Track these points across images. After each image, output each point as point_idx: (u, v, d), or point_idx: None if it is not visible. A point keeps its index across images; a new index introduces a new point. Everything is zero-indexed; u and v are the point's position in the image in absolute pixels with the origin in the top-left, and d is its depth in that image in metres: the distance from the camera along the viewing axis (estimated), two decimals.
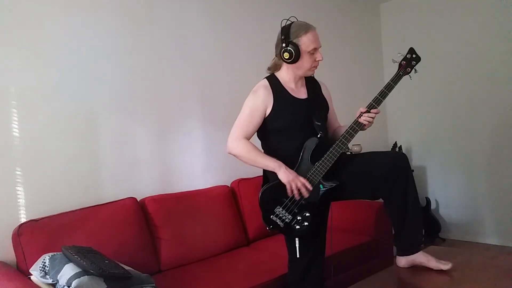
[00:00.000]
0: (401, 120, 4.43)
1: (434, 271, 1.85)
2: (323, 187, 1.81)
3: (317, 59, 1.86)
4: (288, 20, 1.87)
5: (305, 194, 1.76)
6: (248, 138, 1.85)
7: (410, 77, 1.90)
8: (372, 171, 1.83)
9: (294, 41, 1.81)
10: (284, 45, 1.82)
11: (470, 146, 3.87)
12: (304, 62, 1.85)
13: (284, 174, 1.75)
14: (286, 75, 1.92)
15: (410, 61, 1.88)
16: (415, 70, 1.89)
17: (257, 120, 1.85)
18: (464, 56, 3.86)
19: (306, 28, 1.83)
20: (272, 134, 1.89)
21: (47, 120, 2.30)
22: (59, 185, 2.31)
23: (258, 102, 1.85)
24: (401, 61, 1.89)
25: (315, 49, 1.84)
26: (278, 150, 1.86)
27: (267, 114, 1.86)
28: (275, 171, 1.77)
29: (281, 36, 1.84)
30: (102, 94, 2.51)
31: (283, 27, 1.86)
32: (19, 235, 2.01)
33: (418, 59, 1.89)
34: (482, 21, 3.72)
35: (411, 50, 1.90)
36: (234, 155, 1.86)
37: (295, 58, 1.82)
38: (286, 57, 1.83)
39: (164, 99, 2.79)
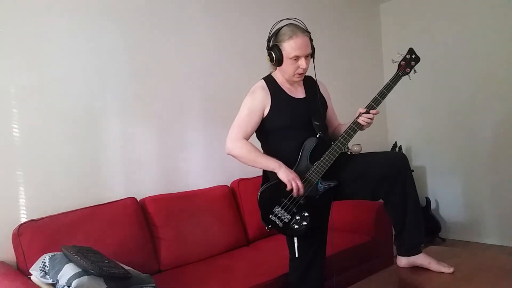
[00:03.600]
0: (401, 120, 4.42)
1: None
2: (319, 192, 1.80)
3: (300, 67, 1.82)
4: (286, 19, 1.86)
5: (301, 192, 1.76)
6: (247, 138, 1.85)
7: (409, 77, 1.90)
8: (372, 172, 1.84)
9: (278, 45, 1.81)
10: (267, 47, 1.84)
11: (470, 146, 3.87)
12: (287, 67, 1.84)
13: (284, 174, 1.75)
14: (280, 76, 1.93)
15: (409, 62, 1.88)
16: (414, 70, 1.89)
17: (255, 120, 1.85)
18: (464, 56, 3.86)
19: (291, 34, 1.79)
20: (271, 134, 1.89)
21: (47, 120, 2.30)
22: (59, 185, 2.31)
23: (257, 102, 1.85)
24: (400, 62, 1.89)
25: (297, 57, 1.80)
26: (277, 150, 1.86)
27: (265, 114, 1.86)
28: (275, 171, 1.77)
29: (268, 38, 1.86)
30: (103, 94, 2.51)
31: (276, 29, 1.86)
32: (19, 235, 2.01)
33: (417, 59, 1.89)
34: (483, 21, 3.72)
35: (411, 51, 1.90)
36: (233, 156, 1.86)
37: (276, 62, 1.83)
38: (268, 60, 1.85)
39: (165, 99, 2.79)
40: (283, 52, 1.81)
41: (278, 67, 1.88)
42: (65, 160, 2.34)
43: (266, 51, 1.86)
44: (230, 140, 1.85)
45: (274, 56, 1.81)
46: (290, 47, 1.79)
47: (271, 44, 1.84)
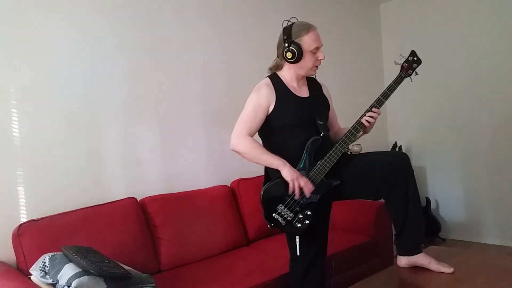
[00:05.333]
0: (401, 120, 4.42)
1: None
2: (322, 190, 1.81)
3: (319, 58, 1.87)
4: (289, 21, 1.88)
5: (307, 194, 1.77)
6: (251, 135, 1.85)
7: (411, 79, 1.93)
8: (373, 171, 1.84)
9: (296, 40, 1.83)
10: (286, 45, 1.83)
11: (470, 146, 3.87)
12: (307, 61, 1.86)
13: (288, 172, 1.76)
14: (288, 75, 1.93)
15: (411, 64, 1.91)
16: (416, 72, 1.92)
17: (260, 117, 1.85)
18: (464, 56, 3.86)
19: (307, 27, 1.84)
20: (274, 132, 1.89)
21: (47, 120, 2.29)
22: (59, 185, 2.31)
23: (261, 99, 1.85)
24: (403, 63, 1.93)
25: (317, 48, 1.85)
26: (280, 148, 1.86)
27: (269, 111, 1.86)
28: (279, 169, 1.78)
29: (283, 36, 1.85)
30: (103, 94, 2.51)
31: (284, 27, 1.87)
32: (19, 235, 2.01)
33: (419, 62, 1.92)
34: (483, 21, 3.72)
35: (413, 53, 1.93)
36: (238, 152, 1.85)
37: (297, 57, 1.83)
38: (289, 57, 1.84)
39: (165, 99, 2.79)
40: (304, 46, 1.83)
41: (292, 65, 1.88)
42: (65, 160, 2.34)
43: (284, 49, 1.84)
44: (235, 137, 1.84)
45: (296, 51, 1.82)
46: (310, 39, 1.83)
47: (288, 41, 1.83)
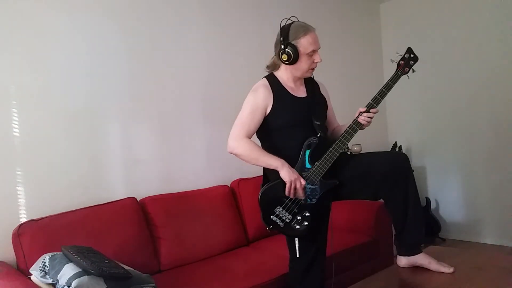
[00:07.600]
0: (401, 120, 4.42)
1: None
2: (320, 191, 1.81)
3: (315, 61, 1.86)
4: (288, 19, 1.87)
5: (302, 196, 1.76)
6: (249, 137, 1.84)
7: (408, 76, 1.91)
8: (373, 171, 1.84)
9: (293, 42, 1.81)
10: (282, 46, 1.82)
11: (470, 146, 3.87)
12: (302, 64, 1.85)
13: (287, 173, 1.75)
14: (285, 75, 1.92)
15: (408, 61, 1.89)
16: (413, 70, 1.91)
17: (258, 119, 1.85)
18: (464, 56, 3.86)
19: (305, 29, 1.82)
20: (272, 133, 1.89)
21: (47, 120, 2.30)
22: (59, 185, 2.31)
23: (259, 101, 1.84)
24: (399, 61, 1.91)
25: (314, 51, 1.84)
26: (278, 149, 1.85)
27: (267, 113, 1.85)
28: (278, 170, 1.77)
29: (280, 38, 1.84)
30: (103, 94, 2.51)
31: (282, 27, 1.85)
32: (19, 235, 2.01)
33: (416, 59, 1.90)
34: (482, 21, 3.72)
35: (409, 50, 1.91)
36: (235, 154, 1.85)
37: (293, 60, 1.82)
38: (285, 59, 1.83)
39: (165, 99, 2.79)
40: (300, 49, 1.81)
41: (288, 66, 1.87)
42: (65, 160, 2.34)
43: (280, 50, 1.82)
44: (232, 139, 1.84)
45: (292, 53, 1.81)
46: (307, 42, 1.81)
47: (284, 43, 1.81)
